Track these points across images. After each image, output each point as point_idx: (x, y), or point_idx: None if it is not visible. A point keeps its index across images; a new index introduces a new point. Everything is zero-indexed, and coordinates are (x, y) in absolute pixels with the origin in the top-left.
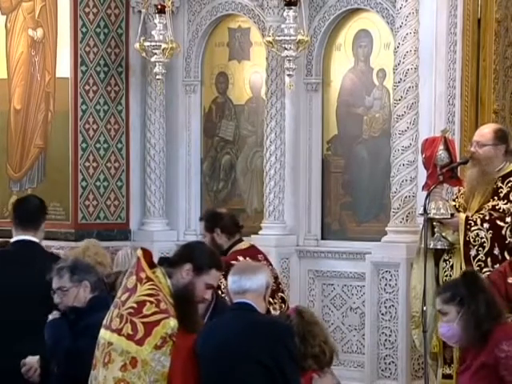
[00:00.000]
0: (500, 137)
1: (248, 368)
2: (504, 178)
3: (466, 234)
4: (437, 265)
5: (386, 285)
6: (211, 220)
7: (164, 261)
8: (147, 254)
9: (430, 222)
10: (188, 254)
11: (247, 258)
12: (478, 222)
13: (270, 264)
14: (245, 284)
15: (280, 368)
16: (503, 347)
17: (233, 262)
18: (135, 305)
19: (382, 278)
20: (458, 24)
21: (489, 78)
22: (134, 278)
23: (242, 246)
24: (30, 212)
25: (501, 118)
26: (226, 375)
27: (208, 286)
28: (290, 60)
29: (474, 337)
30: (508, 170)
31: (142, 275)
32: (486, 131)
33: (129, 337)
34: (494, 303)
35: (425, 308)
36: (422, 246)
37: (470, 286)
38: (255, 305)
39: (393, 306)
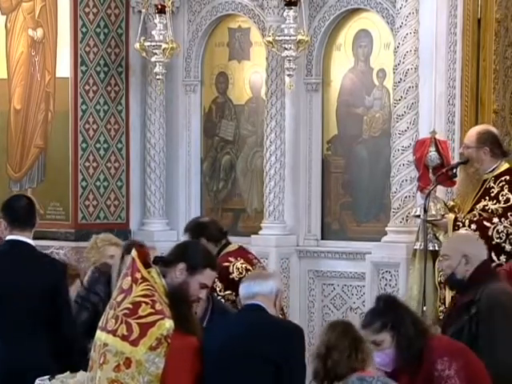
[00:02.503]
0: (484, 139)
1: (255, 365)
2: (496, 178)
3: None
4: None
5: (385, 285)
6: (196, 230)
7: (159, 260)
8: (142, 254)
9: (424, 223)
10: (182, 253)
11: (239, 258)
12: (466, 222)
13: (261, 263)
14: (254, 288)
15: (289, 367)
16: (437, 366)
17: (225, 263)
18: (130, 306)
19: (382, 277)
20: (457, 24)
21: (489, 78)
22: (129, 278)
23: (231, 248)
24: (27, 211)
25: (501, 117)
26: (233, 373)
27: (202, 285)
28: (290, 60)
29: (408, 357)
30: (501, 170)
31: (138, 275)
32: (470, 133)
33: (123, 337)
34: (418, 320)
35: (424, 308)
36: (417, 247)
37: (395, 309)
38: (266, 307)
39: None
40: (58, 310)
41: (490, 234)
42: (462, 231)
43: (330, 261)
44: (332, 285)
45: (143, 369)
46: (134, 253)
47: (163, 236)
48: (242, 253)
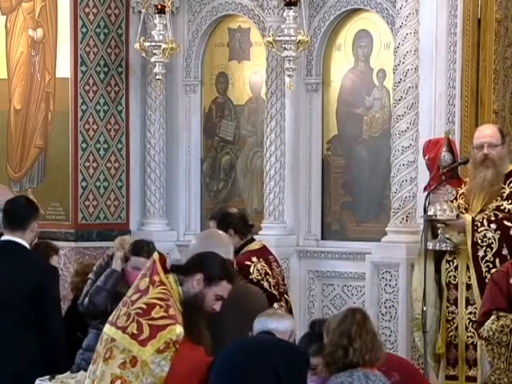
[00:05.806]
0: (504, 135)
1: (262, 374)
2: (506, 177)
3: (473, 236)
4: (437, 266)
5: (386, 285)
6: (224, 221)
7: (176, 268)
8: (162, 258)
9: (430, 224)
10: (200, 263)
11: (261, 259)
12: (485, 222)
13: (279, 265)
14: (271, 324)
15: (289, 381)
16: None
17: (247, 262)
18: (144, 306)
19: (382, 278)
20: (458, 24)
21: (489, 78)
22: (148, 280)
23: (255, 246)
24: (17, 212)
25: (501, 117)
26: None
27: (218, 297)
28: (290, 60)
29: None
30: (510, 169)
31: (156, 278)
32: (492, 131)
33: (133, 336)
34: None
35: (425, 309)
36: (429, 247)
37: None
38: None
39: (393, 306)
40: (45, 311)
41: (511, 233)
42: (204, 232)
43: (330, 261)
44: (332, 285)
45: (148, 370)
46: (155, 255)
47: (163, 236)
48: (264, 253)
